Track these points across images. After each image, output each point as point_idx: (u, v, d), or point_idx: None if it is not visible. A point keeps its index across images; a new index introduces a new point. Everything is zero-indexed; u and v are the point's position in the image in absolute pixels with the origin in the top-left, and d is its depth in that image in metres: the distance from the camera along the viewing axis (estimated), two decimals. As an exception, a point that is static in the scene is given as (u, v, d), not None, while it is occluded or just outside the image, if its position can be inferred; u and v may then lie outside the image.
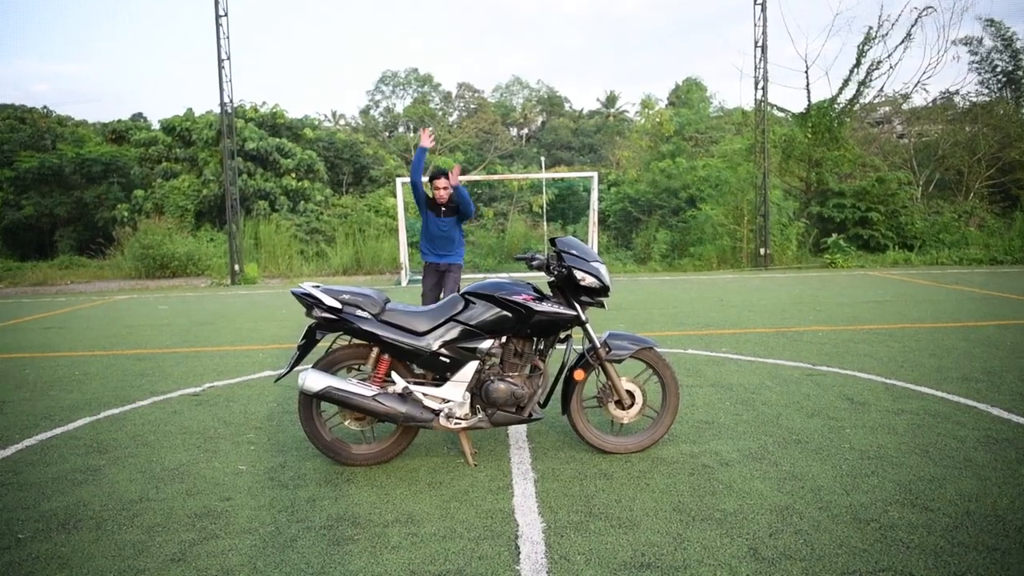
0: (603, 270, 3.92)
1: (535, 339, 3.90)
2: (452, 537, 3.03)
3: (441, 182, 6.31)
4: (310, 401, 3.82)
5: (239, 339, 8.16)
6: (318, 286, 3.86)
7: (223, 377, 6.20)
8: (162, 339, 8.44)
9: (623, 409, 4.01)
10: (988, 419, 4.43)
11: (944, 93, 24.77)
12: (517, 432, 4.41)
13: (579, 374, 3.96)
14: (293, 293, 3.92)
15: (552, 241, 4.06)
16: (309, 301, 3.80)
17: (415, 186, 6.39)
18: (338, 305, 3.77)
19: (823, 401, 4.93)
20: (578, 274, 3.84)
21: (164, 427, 4.78)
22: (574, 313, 3.85)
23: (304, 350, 3.90)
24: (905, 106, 26.66)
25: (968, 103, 25.44)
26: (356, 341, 3.92)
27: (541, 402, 3.93)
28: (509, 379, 3.80)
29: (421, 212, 6.57)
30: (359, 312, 3.78)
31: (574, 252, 3.92)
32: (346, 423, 3.91)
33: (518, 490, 3.52)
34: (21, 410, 5.32)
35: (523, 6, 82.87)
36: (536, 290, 3.88)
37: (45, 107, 34.63)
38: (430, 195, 6.46)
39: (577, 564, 2.77)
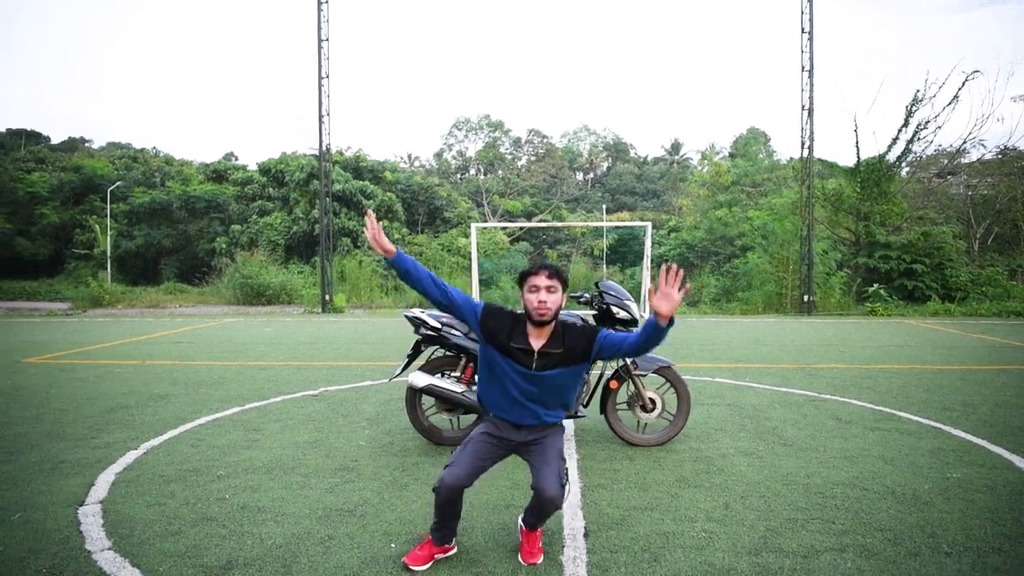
0: (633, 307, 5.26)
1: (581, 356, 5.23)
2: (517, 485, 4.36)
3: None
4: (415, 395, 5.24)
5: (339, 357, 9.75)
6: (424, 311, 5.31)
7: (333, 384, 7.74)
8: (276, 354, 10.12)
9: (646, 412, 5.30)
10: (945, 437, 5.51)
11: (1000, 147, 25.18)
12: (566, 425, 5.72)
13: (614, 384, 5.28)
14: (406, 316, 5.38)
15: (596, 284, 5.42)
16: (418, 322, 5.24)
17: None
18: (438, 326, 5.20)
19: (816, 419, 6.09)
20: (614, 309, 5.19)
21: (296, 415, 6.29)
22: (610, 337, 5.17)
23: (412, 358, 5.34)
24: (964, 160, 27.08)
25: (1028, 158, 25.73)
26: (449, 353, 5.34)
27: (584, 404, 5.26)
28: (560, 385, 5.13)
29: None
30: (453, 331, 5.20)
31: (612, 293, 5.27)
32: (439, 414, 5.30)
33: (564, 463, 4.83)
34: (184, 400, 6.93)
35: (596, 54, 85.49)
36: (583, 320, 5.22)
37: (155, 148, 38.47)
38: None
39: (600, 505, 4.06)
